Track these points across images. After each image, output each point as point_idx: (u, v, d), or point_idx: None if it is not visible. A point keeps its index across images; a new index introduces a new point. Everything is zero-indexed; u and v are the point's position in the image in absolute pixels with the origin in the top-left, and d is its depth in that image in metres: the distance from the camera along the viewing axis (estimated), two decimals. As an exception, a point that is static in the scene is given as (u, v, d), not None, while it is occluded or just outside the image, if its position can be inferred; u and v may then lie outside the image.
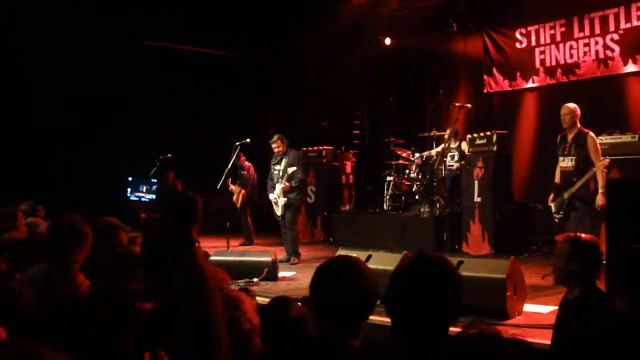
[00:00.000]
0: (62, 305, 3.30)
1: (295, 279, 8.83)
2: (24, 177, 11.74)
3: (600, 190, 7.69)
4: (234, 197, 12.56)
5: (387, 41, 14.41)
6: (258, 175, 12.47)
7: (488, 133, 10.51)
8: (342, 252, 7.38)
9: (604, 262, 4.96)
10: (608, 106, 10.95)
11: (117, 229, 4.79)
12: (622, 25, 10.77)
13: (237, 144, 10.79)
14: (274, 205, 10.33)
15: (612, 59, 10.93)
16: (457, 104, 11.07)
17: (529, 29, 12.29)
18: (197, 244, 1.92)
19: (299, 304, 3.33)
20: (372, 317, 2.53)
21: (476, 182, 10.51)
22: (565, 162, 8.03)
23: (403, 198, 12.13)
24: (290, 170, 10.04)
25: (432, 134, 11.93)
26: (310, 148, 13.48)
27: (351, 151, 14.55)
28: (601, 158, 7.75)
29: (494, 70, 12.88)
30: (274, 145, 10.34)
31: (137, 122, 13.76)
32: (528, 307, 6.48)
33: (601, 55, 11.08)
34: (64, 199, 9.18)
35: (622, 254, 5.70)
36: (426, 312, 2.29)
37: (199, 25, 13.69)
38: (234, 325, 2.56)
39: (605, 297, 4.15)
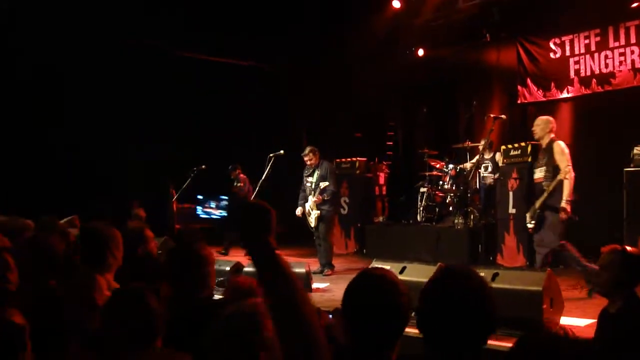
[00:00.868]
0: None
1: (328, 290, 8.82)
2: (61, 189, 11.92)
3: (564, 200, 7.77)
4: None
5: (421, 52, 14.42)
6: (292, 187, 12.51)
7: (522, 144, 10.45)
8: (375, 264, 7.33)
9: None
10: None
11: (145, 236, 4.91)
12: (658, 34, 10.68)
13: (271, 155, 10.82)
14: (307, 217, 10.37)
15: (648, 68, 10.83)
16: (492, 115, 11.00)
17: (563, 38, 12.18)
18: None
19: (330, 316, 3.33)
20: (408, 329, 2.52)
21: (511, 194, 10.44)
22: (537, 174, 8.23)
23: (437, 209, 12.09)
24: (323, 184, 10.08)
25: (466, 145, 11.88)
26: (343, 159, 13.50)
27: (384, 162, 14.54)
28: (568, 165, 7.76)
29: (528, 80, 12.79)
30: (306, 158, 10.39)
31: (171, 135, 13.91)
32: (565, 320, 6.39)
33: (637, 65, 10.94)
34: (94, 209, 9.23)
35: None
36: (457, 327, 2.26)
37: (232, 37, 13.82)
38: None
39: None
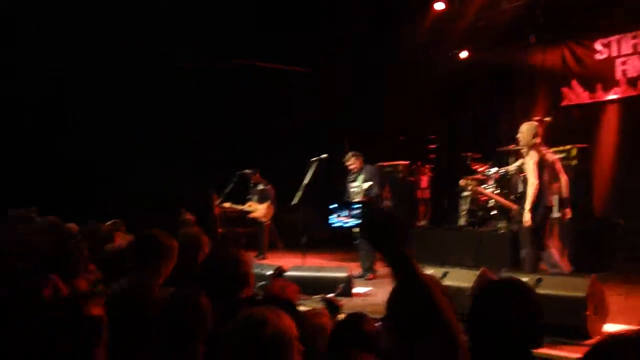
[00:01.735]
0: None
1: (370, 294, 8.82)
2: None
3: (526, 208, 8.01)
4: (256, 214, 12.83)
5: (464, 54, 14.33)
6: (336, 191, 12.52)
7: (567, 147, 10.32)
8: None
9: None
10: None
11: (203, 241, 4.99)
12: None
13: (314, 159, 10.84)
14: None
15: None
16: (536, 118, 10.87)
17: (609, 39, 12.00)
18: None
19: (377, 323, 3.34)
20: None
21: (555, 197, 10.30)
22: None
23: (479, 213, 11.97)
24: (366, 185, 10.07)
25: (509, 148, 11.75)
26: (385, 163, 13.47)
27: (427, 166, 14.46)
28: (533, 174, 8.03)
29: (573, 82, 12.62)
30: (348, 164, 10.39)
31: (215, 139, 14.05)
32: (608, 327, 6.28)
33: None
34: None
35: None
36: (506, 335, 2.28)
37: (273, 40, 13.90)
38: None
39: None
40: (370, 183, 10.16)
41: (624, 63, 11.75)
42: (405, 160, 13.59)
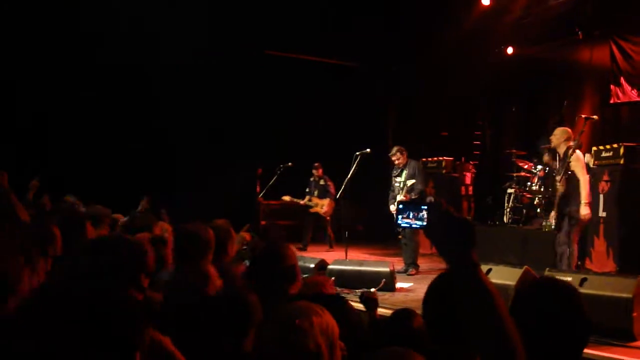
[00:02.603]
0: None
1: (412, 290, 8.81)
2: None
3: (582, 202, 8.40)
4: (319, 209, 12.93)
5: (510, 50, 14.21)
6: (378, 186, 12.54)
7: (615, 145, 10.16)
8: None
9: None
10: None
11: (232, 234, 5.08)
12: None
13: (357, 153, 10.82)
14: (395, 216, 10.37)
15: None
16: (583, 116, 10.68)
17: (659, 36, 11.82)
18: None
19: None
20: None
21: (601, 196, 10.18)
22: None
23: (524, 211, 11.89)
24: (410, 182, 10.08)
25: (549, 146, 11.64)
26: (430, 159, 13.44)
27: (471, 162, 14.40)
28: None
29: (622, 79, 12.42)
30: (393, 158, 10.40)
31: (259, 132, 14.16)
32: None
33: None
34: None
35: None
36: (552, 337, 2.27)
37: (324, 36, 13.97)
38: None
39: None
40: (414, 181, 10.16)
41: (674, 60, 11.56)
42: (449, 156, 13.54)
